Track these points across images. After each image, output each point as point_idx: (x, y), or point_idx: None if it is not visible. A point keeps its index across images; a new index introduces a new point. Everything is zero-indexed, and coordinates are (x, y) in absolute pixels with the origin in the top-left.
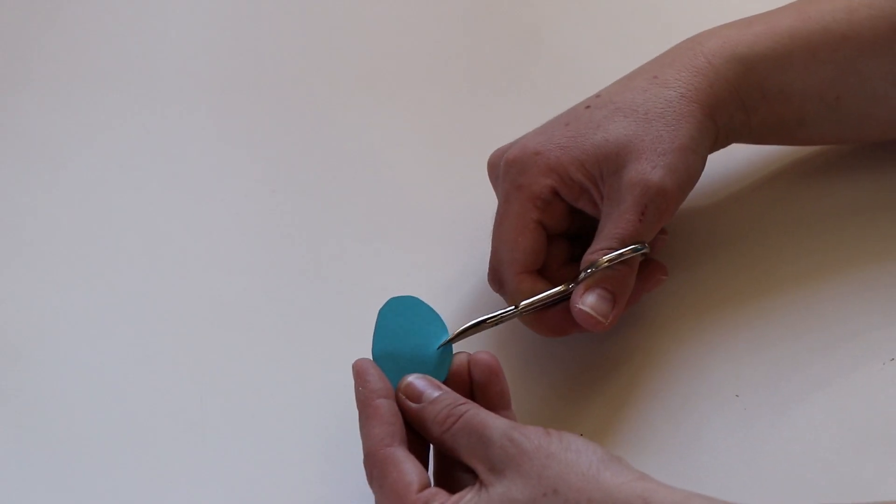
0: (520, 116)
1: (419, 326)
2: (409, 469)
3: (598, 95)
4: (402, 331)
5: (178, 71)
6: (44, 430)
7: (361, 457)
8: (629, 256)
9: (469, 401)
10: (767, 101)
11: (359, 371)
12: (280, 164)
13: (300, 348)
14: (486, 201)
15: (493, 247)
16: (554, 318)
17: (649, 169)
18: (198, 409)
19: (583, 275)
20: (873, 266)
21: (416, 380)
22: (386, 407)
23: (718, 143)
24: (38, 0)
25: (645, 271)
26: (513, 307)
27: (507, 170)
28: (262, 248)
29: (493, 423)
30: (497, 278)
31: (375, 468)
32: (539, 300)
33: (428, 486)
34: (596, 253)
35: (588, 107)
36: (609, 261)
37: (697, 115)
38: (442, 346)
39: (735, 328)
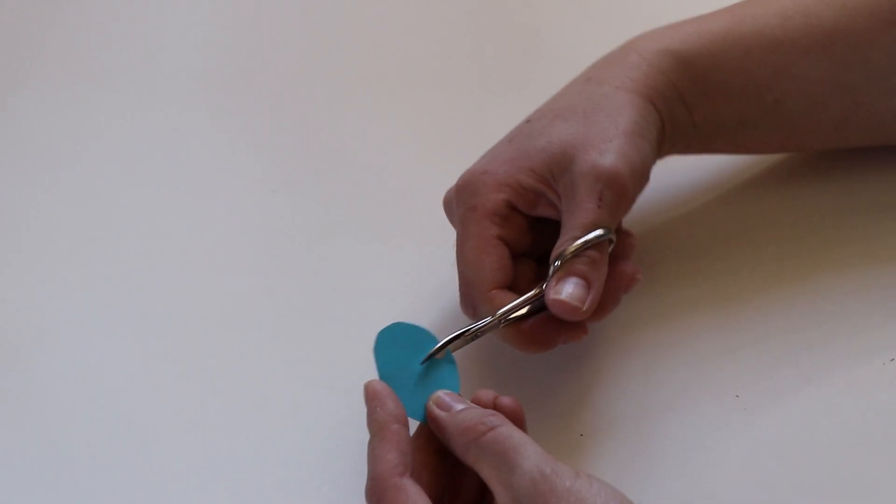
0: (520, 117)
1: (415, 350)
2: (420, 501)
3: (538, 110)
4: (401, 357)
5: (179, 71)
6: (44, 431)
7: (361, 457)
8: (595, 242)
9: (500, 416)
10: (708, 100)
11: (374, 394)
12: (280, 164)
13: (300, 348)
14: None
15: (459, 272)
16: (535, 329)
17: (597, 156)
18: (198, 409)
19: (552, 269)
20: (873, 266)
21: (445, 395)
22: (402, 434)
23: (667, 137)
24: (39, 0)
25: (616, 271)
26: (490, 317)
27: (458, 196)
28: (262, 248)
29: (526, 449)
30: (469, 303)
31: (386, 494)
32: (516, 305)
33: None
34: (562, 245)
35: (528, 121)
36: (575, 249)
37: (637, 102)
38: (423, 361)
39: (735, 328)
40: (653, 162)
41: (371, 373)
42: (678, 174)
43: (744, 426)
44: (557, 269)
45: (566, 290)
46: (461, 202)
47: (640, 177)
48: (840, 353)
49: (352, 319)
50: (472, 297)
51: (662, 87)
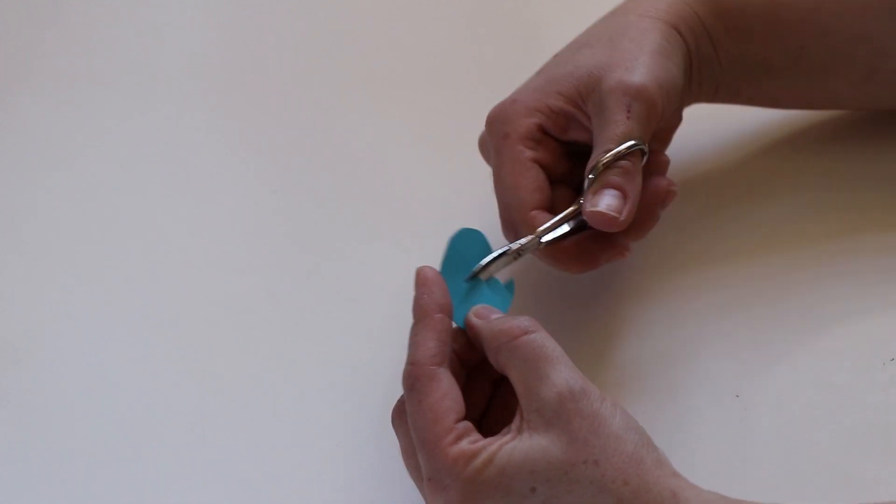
0: None
1: (477, 260)
2: (453, 395)
3: (565, 46)
4: (464, 262)
5: (179, 71)
6: (44, 431)
7: (361, 457)
8: (627, 152)
9: (537, 324)
10: (732, 38)
11: (425, 279)
12: (280, 164)
13: (300, 348)
14: (488, 201)
15: (498, 199)
16: (578, 248)
17: (624, 73)
18: (198, 409)
19: (586, 182)
20: (875, 266)
21: (484, 308)
22: (445, 323)
23: (694, 72)
24: (39, 0)
25: (651, 186)
26: (531, 236)
27: (490, 127)
28: (262, 248)
29: (560, 362)
30: (510, 226)
31: (420, 381)
32: (555, 223)
33: (464, 418)
34: (595, 158)
35: (555, 56)
36: (608, 160)
37: (661, 27)
38: (468, 279)
39: (735, 328)
40: (681, 86)
41: (370, 378)
42: (701, 134)
43: (744, 426)
44: (592, 181)
45: (603, 202)
46: (494, 132)
47: (668, 94)
48: (840, 353)
49: (352, 319)
50: (512, 220)
51: (687, 17)
